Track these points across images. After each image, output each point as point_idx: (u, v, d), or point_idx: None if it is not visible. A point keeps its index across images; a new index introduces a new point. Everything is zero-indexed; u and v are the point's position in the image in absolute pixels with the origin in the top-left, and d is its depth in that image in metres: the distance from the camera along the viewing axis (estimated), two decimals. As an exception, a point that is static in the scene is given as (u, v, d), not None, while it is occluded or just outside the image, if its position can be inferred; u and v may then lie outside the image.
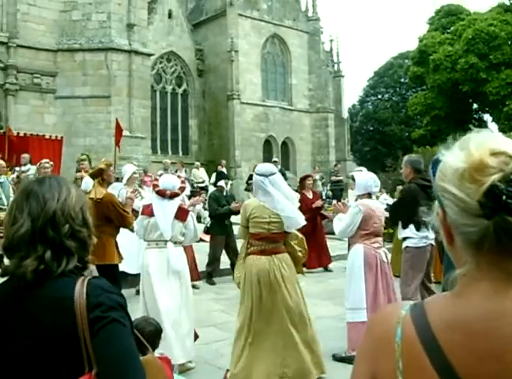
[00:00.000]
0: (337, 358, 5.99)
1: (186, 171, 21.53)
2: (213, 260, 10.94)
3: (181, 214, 5.97)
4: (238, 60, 32.09)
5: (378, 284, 6.01)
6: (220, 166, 22.84)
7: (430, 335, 1.11)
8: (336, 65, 39.92)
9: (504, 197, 1.05)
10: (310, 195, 11.96)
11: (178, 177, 7.00)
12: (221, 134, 32.11)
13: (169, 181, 6.11)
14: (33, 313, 1.70)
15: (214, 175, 21.33)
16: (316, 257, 11.50)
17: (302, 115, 35.67)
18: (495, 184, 1.06)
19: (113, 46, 23.71)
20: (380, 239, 6.31)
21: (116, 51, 23.83)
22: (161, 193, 5.92)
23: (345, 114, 41.07)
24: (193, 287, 10.08)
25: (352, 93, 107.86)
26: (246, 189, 19.05)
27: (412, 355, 1.12)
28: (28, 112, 22.48)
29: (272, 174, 5.32)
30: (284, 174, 19.85)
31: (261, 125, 33.27)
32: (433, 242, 6.95)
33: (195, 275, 10.45)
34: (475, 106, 37.65)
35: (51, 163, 12.00)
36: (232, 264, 11.05)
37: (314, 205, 11.57)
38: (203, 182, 21.40)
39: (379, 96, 54.51)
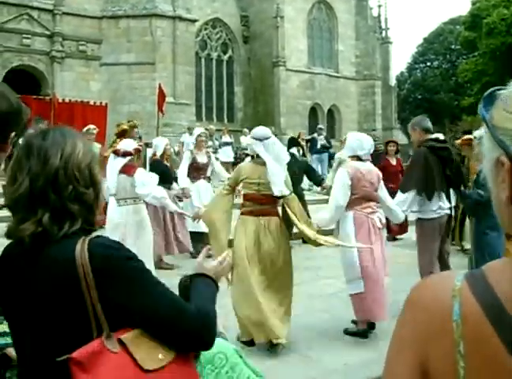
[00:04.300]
0: (349, 333, 5.71)
1: (231, 137, 21.45)
2: None
3: (127, 169, 6.77)
4: (283, 26, 31.60)
5: (374, 251, 5.56)
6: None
7: (499, 310, 0.87)
8: (384, 32, 38.94)
9: None
10: (393, 161, 11.54)
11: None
12: (267, 101, 31.81)
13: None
14: (34, 278, 1.59)
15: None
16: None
17: (348, 83, 35.07)
18: None
19: (157, 13, 23.67)
20: (373, 204, 5.80)
21: (160, 17, 23.79)
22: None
23: (393, 82, 40.18)
24: None
25: (400, 60, 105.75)
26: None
27: (477, 336, 0.88)
28: (73, 79, 22.72)
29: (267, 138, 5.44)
30: (329, 142, 19.58)
31: (306, 92, 32.86)
32: (448, 212, 6.33)
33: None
34: (530, 71, 36.37)
35: (98, 129, 12.08)
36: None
37: None
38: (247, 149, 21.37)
39: (428, 63, 53.54)
